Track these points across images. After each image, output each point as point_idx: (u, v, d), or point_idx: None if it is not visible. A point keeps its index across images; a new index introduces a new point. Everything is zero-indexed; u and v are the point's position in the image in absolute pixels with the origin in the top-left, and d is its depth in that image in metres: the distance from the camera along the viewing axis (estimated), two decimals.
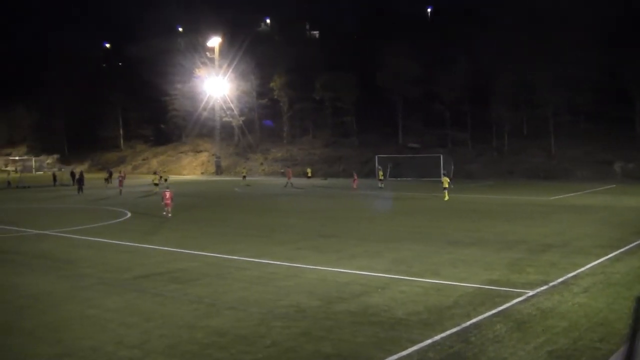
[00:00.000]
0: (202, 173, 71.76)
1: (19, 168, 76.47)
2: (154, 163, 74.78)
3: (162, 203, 24.75)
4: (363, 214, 25.84)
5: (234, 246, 16.55)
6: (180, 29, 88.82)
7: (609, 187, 39.46)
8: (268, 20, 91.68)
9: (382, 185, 42.92)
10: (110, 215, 25.36)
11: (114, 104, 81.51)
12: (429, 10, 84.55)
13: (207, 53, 73.40)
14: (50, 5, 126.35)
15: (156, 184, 41.72)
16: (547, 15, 52.97)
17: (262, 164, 68.71)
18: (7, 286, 11.96)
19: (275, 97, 70.55)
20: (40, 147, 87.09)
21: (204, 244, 16.99)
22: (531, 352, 7.48)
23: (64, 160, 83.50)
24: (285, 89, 69.07)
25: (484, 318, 8.99)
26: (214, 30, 71.28)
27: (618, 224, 20.34)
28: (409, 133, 63.21)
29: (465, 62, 55.79)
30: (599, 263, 13.24)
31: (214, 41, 71.75)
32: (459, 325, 8.62)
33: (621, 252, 14.55)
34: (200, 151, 76.83)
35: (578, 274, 12.12)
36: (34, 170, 78.88)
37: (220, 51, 71.36)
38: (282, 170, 59.04)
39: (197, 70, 73.86)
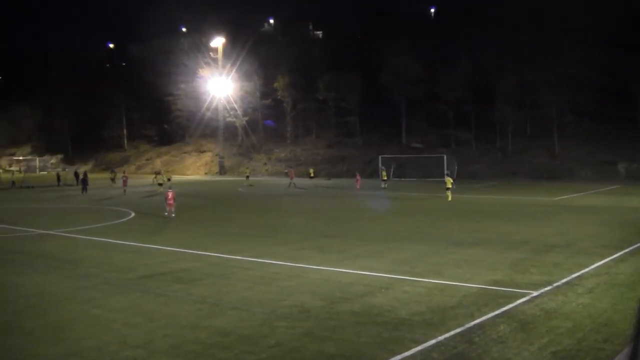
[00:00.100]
0: (205, 173, 71.85)
1: (22, 168, 76.80)
2: (158, 163, 74.92)
3: (165, 203, 24.81)
4: (366, 214, 25.83)
5: (237, 246, 16.55)
6: (184, 29, 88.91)
7: (612, 187, 39.34)
8: (271, 21, 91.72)
9: (386, 185, 42.82)
10: (113, 215, 25.41)
11: (117, 104, 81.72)
12: (432, 10, 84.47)
13: (211, 53, 73.57)
14: (51, 5, 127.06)
15: (160, 184, 41.91)
16: (548, 15, 52.96)
17: (265, 164, 68.75)
18: (10, 286, 11.98)
19: (279, 97, 70.62)
20: (44, 147, 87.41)
21: (207, 244, 16.99)
22: (535, 353, 7.45)
23: (68, 161, 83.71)
24: (289, 89, 69.12)
25: (488, 318, 8.96)
26: (217, 31, 71.47)
27: (622, 225, 20.25)
28: (413, 133, 63.19)
29: (467, 62, 55.81)
30: (603, 264, 13.18)
31: (218, 41, 71.89)
32: (462, 325, 8.60)
33: (625, 253, 14.49)
34: (204, 151, 76.91)
35: (582, 274, 12.08)
36: (37, 170, 79.08)
37: (224, 51, 71.49)
38: (285, 171, 59.03)
39: (200, 70, 74.02)
